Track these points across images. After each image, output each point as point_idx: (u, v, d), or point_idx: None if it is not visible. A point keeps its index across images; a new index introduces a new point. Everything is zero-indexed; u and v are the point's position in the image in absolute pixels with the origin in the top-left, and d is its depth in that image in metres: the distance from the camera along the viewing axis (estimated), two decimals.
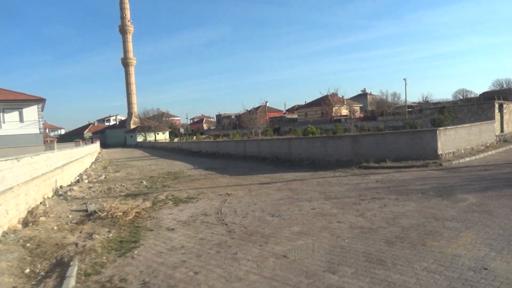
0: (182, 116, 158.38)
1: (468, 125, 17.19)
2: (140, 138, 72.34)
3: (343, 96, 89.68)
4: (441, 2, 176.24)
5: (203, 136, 70.36)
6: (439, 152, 14.81)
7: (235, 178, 14.51)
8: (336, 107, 79.10)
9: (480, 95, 57.60)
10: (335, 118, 76.20)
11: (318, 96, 75.46)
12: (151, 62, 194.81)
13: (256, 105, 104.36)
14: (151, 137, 73.27)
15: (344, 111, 79.80)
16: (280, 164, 18.88)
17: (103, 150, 60.96)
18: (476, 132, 17.72)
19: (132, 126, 77.95)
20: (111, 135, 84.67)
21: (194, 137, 69.20)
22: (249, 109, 36.89)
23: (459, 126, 16.57)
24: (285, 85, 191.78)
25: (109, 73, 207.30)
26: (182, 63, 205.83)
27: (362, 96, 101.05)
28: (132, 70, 79.15)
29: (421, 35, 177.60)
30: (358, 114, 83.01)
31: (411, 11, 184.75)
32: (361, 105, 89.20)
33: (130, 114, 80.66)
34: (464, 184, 9.80)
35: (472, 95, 61.36)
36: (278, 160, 20.33)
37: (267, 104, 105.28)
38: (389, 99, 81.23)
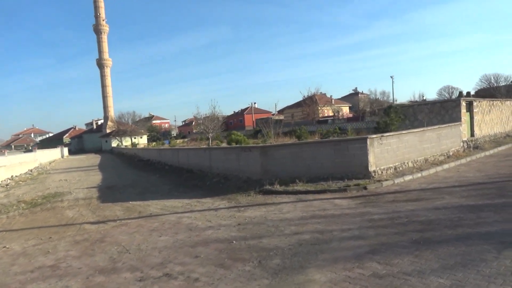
0: (175, 119, 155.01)
1: (419, 129, 13.28)
2: (114, 143, 68.62)
3: (331, 96, 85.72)
4: (439, 0, 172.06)
5: (180, 141, 66.72)
6: (371, 168, 10.97)
7: (90, 211, 10.73)
8: (323, 107, 75.19)
9: (476, 93, 53.45)
10: (320, 119, 72.48)
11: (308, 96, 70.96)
12: (149, 64, 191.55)
13: (244, 107, 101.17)
14: (127, 142, 69.62)
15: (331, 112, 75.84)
16: (190, 182, 15.09)
17: (69, 157, 57.44)
18: (432, 138, 13.83)
19: (108, 131, 74.24)
20: (88, 140, 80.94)
21: (165, 142, 65.82)
22: (200, 112, 33.14)
23: (404, 131, 12.67)
24: (282, 85, 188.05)
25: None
26: (181, 65, 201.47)
27: (353, 95, 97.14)
28: (108, 71, 75.40)
29: (418, 34, 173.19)
30: (346, 114, 78.95)
31: (410, 10, 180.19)
32: (350, 105, 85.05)
33: (106, 118, 76.91)
34: (352, 236, 5.95)
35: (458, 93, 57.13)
36: (201, 174, 16.51)
37: (256, 105, 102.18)
38: (379, 98, 77.11)
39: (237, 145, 16.43)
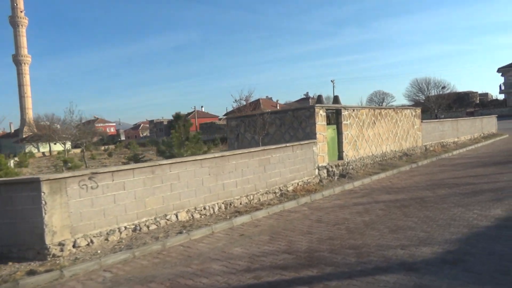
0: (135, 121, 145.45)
1: (212, 156, 8.12)
2: (29, 149, 60.50)
3: (277, 101, 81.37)
4: (401, 11, 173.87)
5: (112, 147, 60.08)
6: (53, 238, 5.74)
7: None
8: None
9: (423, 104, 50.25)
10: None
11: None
12: (116, 66, 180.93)
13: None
14: (45, 148, 61.89)
15: None
16: None
17: None
18: (249, 168, 8.76)
19: (25, 135, 65.82)
20: (5, 146, 71.75)
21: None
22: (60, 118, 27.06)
23: (165, 162, 7.37)
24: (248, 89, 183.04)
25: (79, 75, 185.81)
26: (150, 67, 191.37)
27: (305, 100, 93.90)
28: (26, 69, 66.75)
29: (382, 43, 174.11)
30: None
31: (375, 19, 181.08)
32: None
33: (23, 120, 68.32)
34: None
35: (391, 100, 53.90)
36: None
37: (203, 109, 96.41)
38: (328, 102, 73.50)
39: None
